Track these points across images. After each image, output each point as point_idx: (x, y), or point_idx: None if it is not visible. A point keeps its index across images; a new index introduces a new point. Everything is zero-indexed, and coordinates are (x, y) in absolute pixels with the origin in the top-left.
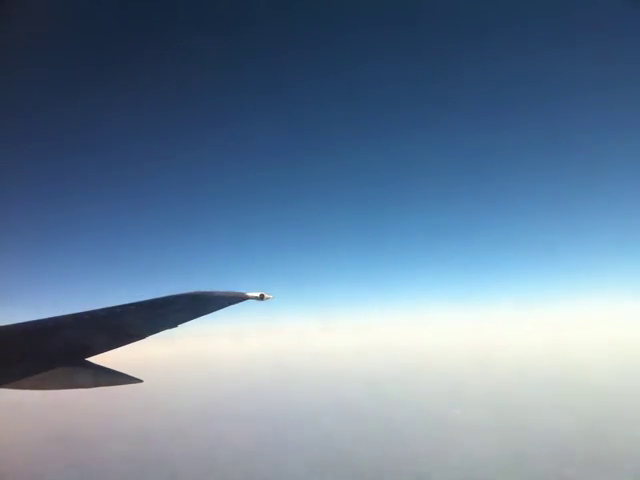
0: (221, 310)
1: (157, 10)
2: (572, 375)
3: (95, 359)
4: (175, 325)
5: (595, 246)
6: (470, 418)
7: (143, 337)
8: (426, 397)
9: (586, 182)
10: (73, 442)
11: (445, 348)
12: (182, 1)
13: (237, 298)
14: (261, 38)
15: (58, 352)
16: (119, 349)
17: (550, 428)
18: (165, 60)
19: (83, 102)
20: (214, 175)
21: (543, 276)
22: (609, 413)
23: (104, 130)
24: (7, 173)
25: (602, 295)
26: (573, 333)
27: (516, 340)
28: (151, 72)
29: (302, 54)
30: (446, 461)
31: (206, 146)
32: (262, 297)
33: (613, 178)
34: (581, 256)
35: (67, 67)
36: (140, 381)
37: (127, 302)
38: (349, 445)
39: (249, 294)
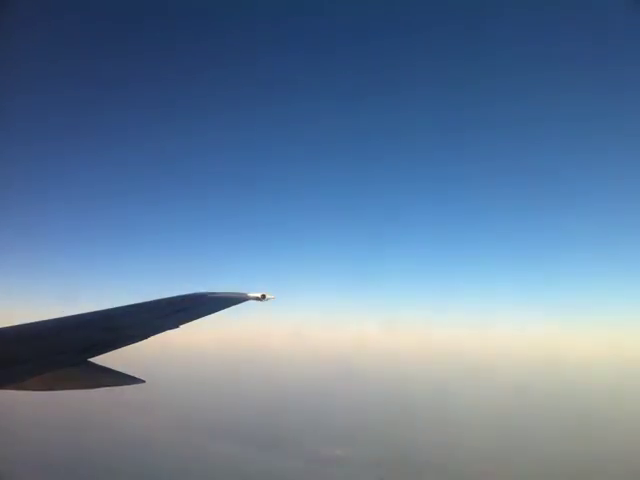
0: (223, 311)
1: (158, 8)
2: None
3: (98, 360)
4: (177, 326)
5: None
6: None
7: (145, 338)
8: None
9: (592, 186)
10: (75, 443)
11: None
12: (182, 2)
13: (238, 299)
14: (261, 38)
15: (61, 353)
16: (121, 350)
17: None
18: (168, 57)
19: (84, 100)
20: (215, 175)
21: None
22: None
23: (104, 128)
24: (7, 173)
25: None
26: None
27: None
28: (155, 69)
29: (301, 54)
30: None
31: (207, 146)
32: (264, 297)
33: (616, 182)
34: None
35: (66, 65)
36: (142, 381)
37: (129, 303)
38: (350, 443)
39: (250, 295)
